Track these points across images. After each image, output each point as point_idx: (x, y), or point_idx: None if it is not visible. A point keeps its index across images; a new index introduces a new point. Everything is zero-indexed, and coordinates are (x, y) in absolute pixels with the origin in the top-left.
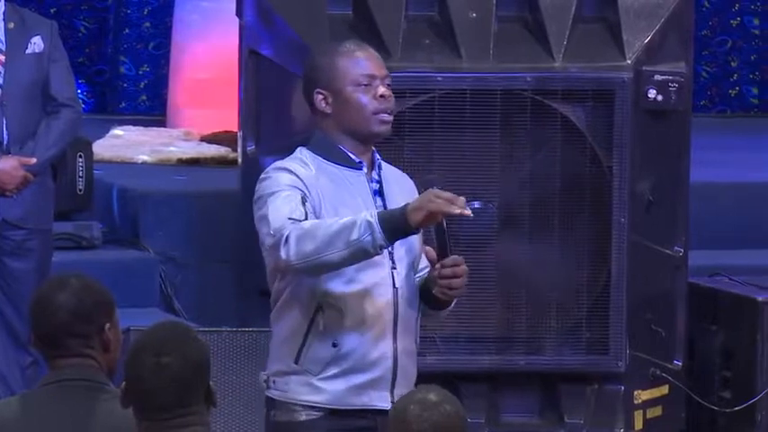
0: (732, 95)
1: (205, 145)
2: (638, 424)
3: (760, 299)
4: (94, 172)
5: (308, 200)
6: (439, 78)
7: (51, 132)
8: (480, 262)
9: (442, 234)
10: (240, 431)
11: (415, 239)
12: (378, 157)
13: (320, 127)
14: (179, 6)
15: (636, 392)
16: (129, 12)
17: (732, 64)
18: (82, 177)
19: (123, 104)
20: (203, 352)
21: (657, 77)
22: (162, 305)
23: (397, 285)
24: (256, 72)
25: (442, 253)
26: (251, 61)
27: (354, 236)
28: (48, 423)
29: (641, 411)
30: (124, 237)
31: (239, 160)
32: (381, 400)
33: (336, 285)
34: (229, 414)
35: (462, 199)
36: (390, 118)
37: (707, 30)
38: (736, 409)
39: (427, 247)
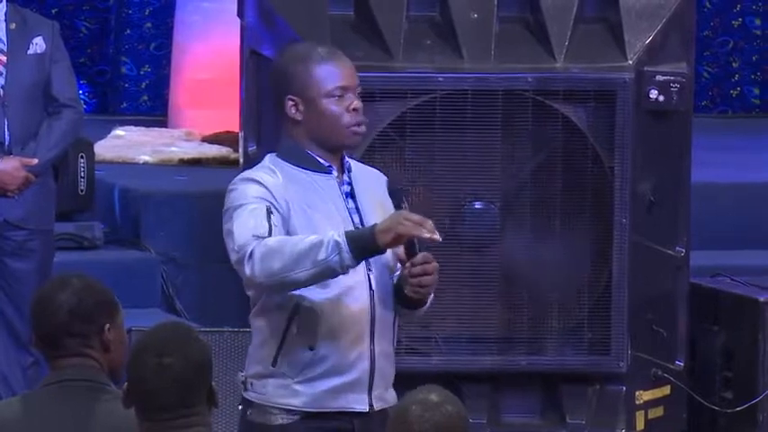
0: (733, 96)
1: (206, 145)
2: (640, 424)
3: (761, 299)
4: (96, 172)
5: (276, 211)
6: (440, 79)
7: (53, 133)
8: (482, 262)
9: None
10: None
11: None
12: (347, 159)
13: (289, 134)
14: (180, 7)
15: (637, 393)
16: (130, 12)
17: (733, 64)
18: (83, 178)
19: (125, 105)
20: (205, 352)
21: (659, 78)
22: (163, 305)
23: (372, 287)
24: (258, 72)
25: (411, 251)
26: (252, 62)
27: (322, 256)
28: (49, 423)
29: (643, 412)
30: (125, 237)
31: (241, 161)
32: (359, 403)
33: (312, 289)
34: (231, 414)
35: (430, 222)
36: (362, 129)
37: (708, 30)
38: (738, 409)
39: (399, 250)
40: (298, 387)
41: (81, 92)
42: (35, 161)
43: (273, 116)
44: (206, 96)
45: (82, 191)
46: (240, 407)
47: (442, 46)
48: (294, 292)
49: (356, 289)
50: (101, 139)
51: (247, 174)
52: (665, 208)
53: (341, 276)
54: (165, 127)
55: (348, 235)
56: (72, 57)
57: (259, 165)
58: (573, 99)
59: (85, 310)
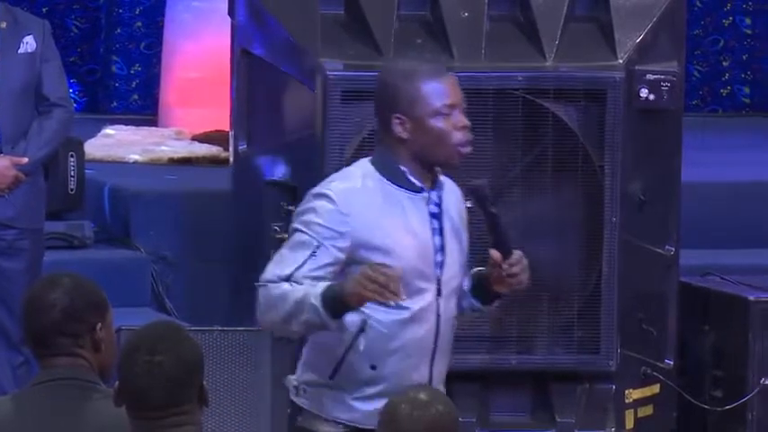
0: (724, 95)
1: (197, 144)
2: (629, 423)
3: (751, 298)
4: (86, 171)
5: (328, 246)
6: None
7: (43, 132)
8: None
9: (502, 234)
10: (232, 429)
11: (461, 263)
12: (440, 177)
13: (389, 148)
14: (171, 6)
15: (627, 391)
16: (120, 11)
17: (724, 63)
18: (73, 177)
19: (115, 104)
20: (196, 351)
21: (649, 77)
22: (153, 304)
23: (440, 313)
24: (248, 71)
25: (506, 252)
26: (243, 61)
27: (304, 317)
28: (40, 423)
29: (632, 410)
30: (115, 236)
31: (231, 160)
32: None
33: (382, 310)
34: (221, 413)
35: (395, 282)
36: (468, 149)
37: (699, 29)
38: (728, 408)
39: (492, 251)
40: (353, 403)
41: (71, 91)
42: (25, 160)
43: (264, 115)
44: (196, 95)
45: (72, 190)
46: (289, 410)
47: (432, 45)
48: (364, 310)
49: (425, 313)
50: (91, 137)
51: (328, 188)
52: (655, 207)
53: (412, 300)
54: (156, 126)
55: (324, 297)
56: (62, 55)
57: (350, 170)
58: (563, 98)
59: (77, 310)
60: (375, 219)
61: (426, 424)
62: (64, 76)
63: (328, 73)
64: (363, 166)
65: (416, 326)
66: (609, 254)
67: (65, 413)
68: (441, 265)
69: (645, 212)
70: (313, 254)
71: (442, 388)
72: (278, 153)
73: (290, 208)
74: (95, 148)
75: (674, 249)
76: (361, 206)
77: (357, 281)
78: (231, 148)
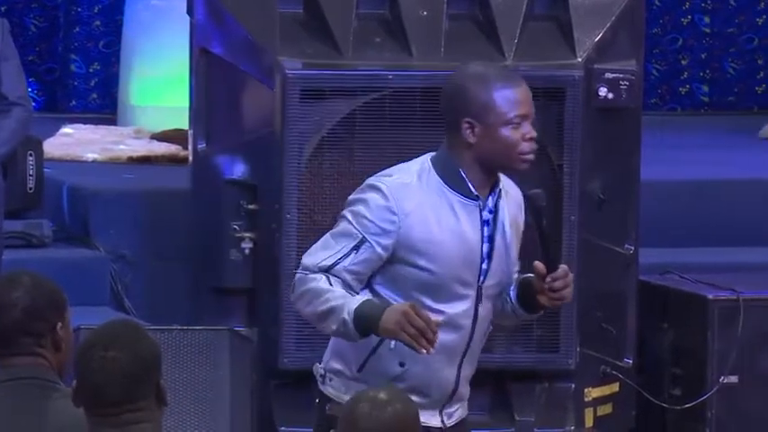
0: (682, 93)
1: (156, 143)
2: (589, 421)
3: (710, 297)
4: (45, 170)
5: (373, 243)
6: (390, 76)
7: (2, 131)
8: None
9: (549, 247)
10: (191, 429)
11: (507, 272)
12: (501, 184)
13: (453, 151)
14: (129, 4)
15: (586, 390)
16: (79, 10)
17: (682, 62)
18: (32, 176)
19: (74, 103)
20: (153, 348)
21: (608, 75)
22: (112, 303)
23: (477, 319)
24: (207, 70)
25: (552, 266)
26: (202, 59)
27: (333, 326)
28: (1, 422)
29: (592, 409)
30: (74, 235)
31: (190, 158)
32: (431, 418)
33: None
34: (180, 412)
35: (435, 330)
36: (532, 157)
37: (657, 28)
38: (687, 406)
39: (537, 263)
40: None
41: (30, 89)
42: None
43: (224, 114)
44: (155, 94)
45: (30, 189)
46: (317, 400)
47: (391, 43)
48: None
49: (461, 319)
50: (50, 136)
51: (383, 182)
52: (614, 205)
53: (451, 305)
54: (114, 125)
55: (358, 314)
56: (21, 54)
57: (410, 165)
58: None
59: (39, 309)
60: (424, 220)
61: (384, 424)
62: (23, 75)
63: (287, 71)
64: (423, 162)
65: (451, 329)
66: (568, 253)
67: (26, 412)
68: (485, 273)
69: (604, 211)
70: (356, 248)
71: (467, 388)
72: (237, 152)
73: (250, 207)
74: (54, 146)
75: (633, 248)
76: (412, 205)
77: (397, 320)
78: (190, 147)
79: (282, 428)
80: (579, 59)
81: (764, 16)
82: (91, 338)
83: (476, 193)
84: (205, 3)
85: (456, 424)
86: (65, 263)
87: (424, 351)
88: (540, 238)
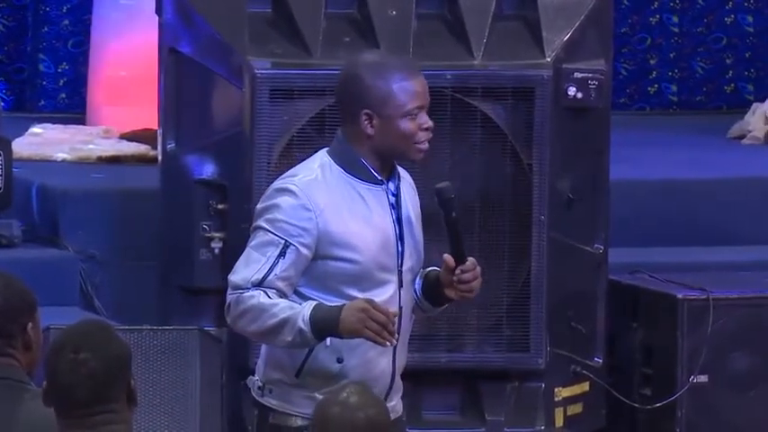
0: (651, 93)
1: (125, 143)
2: (559, 421)
3: (680, 296)
4: (13, 170)
5: (296, 245)
6: None
7: None
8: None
9: (458, 239)
10: (162, 429)
11: (420, 256)
12: (398, 167)
13: (350, 141)
14: (98, 4)
15: (556, 389)
16: (48, 9)
17: (651, 62)
18: (1, 176)
19: (43, 102)
20: (122, 349)
21: (577, 75)
22: (82, 303)
23: (402, 304)
24: (176, 70)
25: (460, 259)
26: (171, 59)
27: (288, 337)
28: None
29: (562, 408)
30: (44, 235)
31: (159, 158)
32: None
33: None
34: (151, 412)
35: (394, 321)
36: (427, 147)
37: (626, 27)
38: (657, 405)
39: (446, 255)
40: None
41: None
42: None
43: (193, 114)
44: (124, 94)
45: (0, 189)
46: (256, 412)
47: (360, 43)
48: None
49: (389, 305)
50: (18, 136)
51: (291, 183)
52: (583, 205)
53: (374, 293)
54: (83, 124)
55: (313, 319)
56: None
57: (308, 163)
58: (491, 96)
59: (11, 310)
60: (338, 212)
61: (355, 428)
62: None
63: (256, 71)
64: (321, 157)
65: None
66: (537, 252)
67: None
68: (401, 255)
69: (573, 211)
70: (281, 254)
71: (401, 381)
72: (206, 152)
73: (219, 207)
74: (23, 146)
75: (602, 247)
76: (323, 199)
77: (357, 318)
78: (160, 147)
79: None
80: (548, 59)
81: (733, 16)
82: (61, 340)
83: (380, 178)
84: (174, 3)
85: (395, 419)
86: (34, 263)
87: (388, 343)
88: (449, 230)
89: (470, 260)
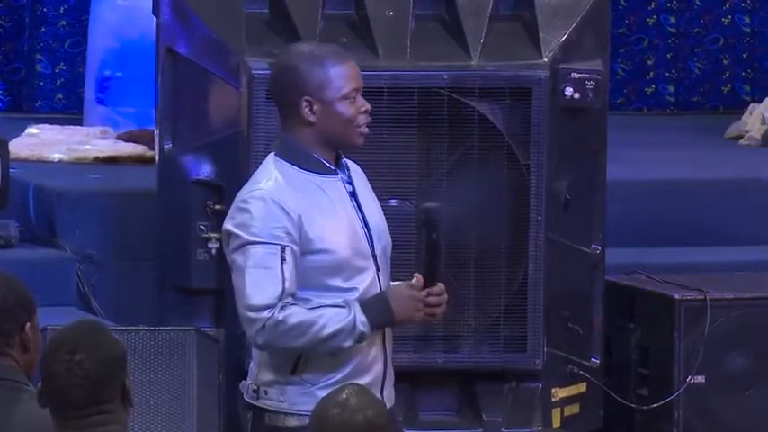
0: (648, 93)
1: (122, 143)
2: (556, 421)
3: (677, 297)
4: (11, 171)
5: (289, 244)
6: None
7: None
8: (397, 260)
9: (433, 262)
10: (158, 430)
11: (388, 239)
12: (344, 158)
13: (294, 134)
14: (95, 5)
15: (553, 390)
16: (45, 10)
17: (648, 62)
18: None
19: (40, 103)
20: (118, 350)
21: (574, 75)
22: (79, 304)
23: (382, 288)
24: (173, 70)
25: (431, 281)
26: (167, 59)
27: (348, 342)
28: None
29: (559, 409)
30: (40, 235)
31: (156, 159)
32: None
33: (335, 295)
34: (147, 413)
35: (443, 309)
36: (367, 131)
37: (623, 28)
38: (654, 406)
39: (417, 275)
40: (320, 392)
41: None
42: None
43: (190, 114)
44: (121, 94)
45: None
46: (250, 414)
47: (357, 44)
48: (311, 297)
49: (371, 291)
50: (15, 137)
51: (258, 190)
52: (580, 205)
53: (356, 280)
54: (81, 125)
55: (370, 319)
56: None
57: (264, 170)
58: (488, 97)
59: (9, 309)
60: (306, 209)
61: (355, 428)
62: None
63: (254, 72)
64: (272, 162)
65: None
66: (534, 253)
67: None
68: (370, 240)
69: (570, 211)
70: (282, 259)
71: (392, 369)
72: (203, 152)
73: (217, 207)
74: (20, 147)
75: (599, 248)
76: (292, 200)
77: (409, 305)
78: (156, 147)
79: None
80: (545, 59)
81: (730, 16)
82: (56, 340)
83: (333, 168)
84: (171, 3)
85: (391, 408)
86: (31, 263)
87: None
88: (428, 251)
89: (440, 285)
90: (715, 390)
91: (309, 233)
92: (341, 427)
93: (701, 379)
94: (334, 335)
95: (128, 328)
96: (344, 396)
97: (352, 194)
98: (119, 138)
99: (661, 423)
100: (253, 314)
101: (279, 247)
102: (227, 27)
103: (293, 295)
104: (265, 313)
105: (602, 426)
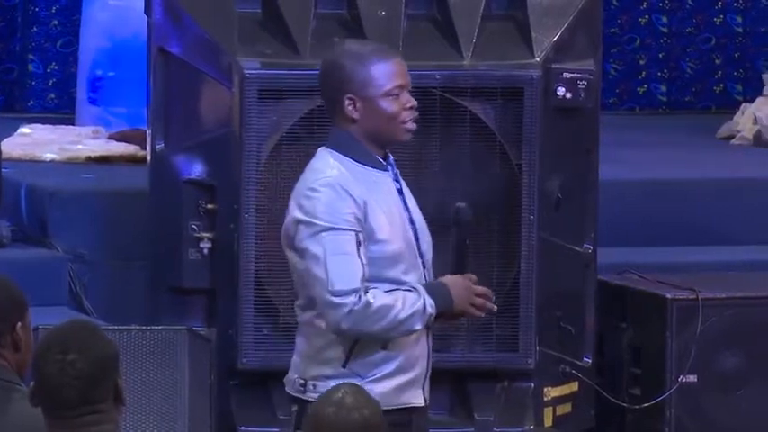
0: (640, 93)
1: (114, 143)
2: (548, 421)
3: (669, 296)
4: (2, 170)
5: (362, 231)
6: None
7: None
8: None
9: (463, 260)
10: (150, 429)
11: (430, 240)
12: (390, 156)
13: (344, 130)
14: (87, 4)
15: (545, 389)
16: (37, 9)
17: (640, 62)
18: None
19: (32, 102)
20: (110, 349)
21: (566, 75)
22: (71, 304)
23: None
24: (165, 70)
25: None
26: (160, 59)
27: (418, 326)
28: None
29: (551, 408)
30: (32, 235)
31: (148, 158)
32: (416, 398)
33: (381, 288)
34: (139, 412)
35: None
36: (414, 126)
37: (615, 27)
38: (646, 405)
39: (470, 275)
40: (369, 386)
41: None
42: None
43: (182, 114)
44: (113, 94)
45: None
46: (295, 407)
47: None
48: (363, 293)
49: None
50: (7, 137)
51: (325, 177)
52: (572, 205)
53: (410, 276)
54: (73, 125)
55: (437, 303)
56: None
57: (321, 161)
58: (481, 96)
59: (1, 309)
60: (367, 200)
61: (351, 427)
62: None
63: (245, 71)
64: (327, 154)
65: None
66: (527, 252)
67: None
68: (416, 238)
69: (562, 211)
70: (358, 244)
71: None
72: (195, 152)
73: (209, 207)
74: (12, 147)
75: (591, 247)
76: (356, 189)
77: (466, 296)
78: (148, 147)
79: (242, 428)
80: (537, 59)
81: (722, 16)
82: (48, 340)
83: (384, 163)
84: (163, 2)
85: (424, 406)
86: (23, 263)
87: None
88: (458, 251)
89: (484, 289)
90: (707, 389)
91: (372, 223)
92: (336, 426)
93: (692, 378)
94: (409, 317)
95: (119, 327)
96: (340, 395)
97: (400, 192)
98: (111, 137)
99: (653, 422)
100: (339, 299)
101: (353, 233)
102: (219, 27)
103: (368, 280)
104: (352, 297)
105: (594, 425)
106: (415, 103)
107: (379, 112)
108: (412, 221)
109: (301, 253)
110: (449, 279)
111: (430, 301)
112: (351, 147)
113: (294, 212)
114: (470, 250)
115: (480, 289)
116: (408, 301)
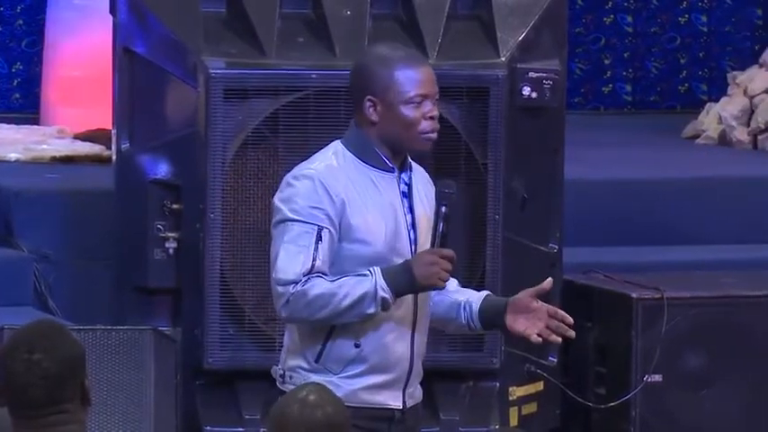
0: (605, 93)
1: (79, 143)
2: (514, 420)
3: (634, 296)
4: None
5: (328, 227)
6: (313, 76)
7: None
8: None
9: (444, 232)
10: (115, 429)
11: (427, 241)
12: (410, 159)
13: (361, 129)
14: (52, 4)
15: (511, 389)
16: (1, 9)
17: (605, 61)
18: None
19: None
20: (76, 349)
21: (532, 75)
22: (36, 304)
23: (419, 295)
24: (130, 70)
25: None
26: (125, 59)
27: (371, 310)
28: None
29: (516, 408)
30: None
31: (113, 158)
32: (394, 400)
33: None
34: (104, 412)
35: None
36: (435, 136)
37: (580, 27)
38: (611, 405)
39: (548, 281)
40: (340, 382)
41: None
42: None
43: (147, 114)
44: (78, 94)
45: None
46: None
47: (315, 43)
48: (303, 284)
49: None
50: None
51: (309, 170)
52: (538, 204)
53: None
54: (37, 124)
55: (391, 285)
56: None
57: (322, 153)
58: (446, 96)
59: None
60: (353, 198)
61: (314, 425)
62: None
63: (211, 71)
64: (335, 146)
65: (397, 304)
66: (492, 252)
67: None
68: (414, 242)
69: (528, 210)
70: (318, 239)
71: (421, 368)
72: (161, 151)
73: (174, 206)
74: None
75: (557, 247)
76: (341, 185)
77: (431, 271)
78: (114, 147)
79: (207, 428)
80: (503, 59)
81: (687, 16)
82: (14, 340)
83: (391, 165)
84: (128, 2)
85: (413, 406)
86: None
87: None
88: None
89: (561, 312)
90: (672, 388)
91: (351, 221)
92: (300, 423)
93: (658, 378)
94: (356, 302)
95: (85, 327)
96: (304, 393)
97: (405, 195)
98: (76, 137)
99: (618, 422)
100: (280, 288)
101: (316, 227)
102: (184, 26)
103: (325, 274)
104: (290, 288)
105: (559, 424)
106: (436, 113)
107: (397, 118)
108: (413, 226)
109: (271, 236)
110: (415, 256)
111: (382, 284)
112: (359, 145)
113: (276, 196)
114: (451, 223)
115: (446, 263)
116: (355, 287)
